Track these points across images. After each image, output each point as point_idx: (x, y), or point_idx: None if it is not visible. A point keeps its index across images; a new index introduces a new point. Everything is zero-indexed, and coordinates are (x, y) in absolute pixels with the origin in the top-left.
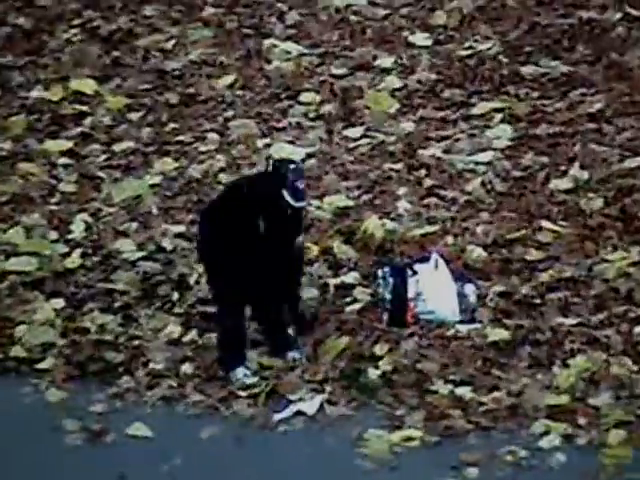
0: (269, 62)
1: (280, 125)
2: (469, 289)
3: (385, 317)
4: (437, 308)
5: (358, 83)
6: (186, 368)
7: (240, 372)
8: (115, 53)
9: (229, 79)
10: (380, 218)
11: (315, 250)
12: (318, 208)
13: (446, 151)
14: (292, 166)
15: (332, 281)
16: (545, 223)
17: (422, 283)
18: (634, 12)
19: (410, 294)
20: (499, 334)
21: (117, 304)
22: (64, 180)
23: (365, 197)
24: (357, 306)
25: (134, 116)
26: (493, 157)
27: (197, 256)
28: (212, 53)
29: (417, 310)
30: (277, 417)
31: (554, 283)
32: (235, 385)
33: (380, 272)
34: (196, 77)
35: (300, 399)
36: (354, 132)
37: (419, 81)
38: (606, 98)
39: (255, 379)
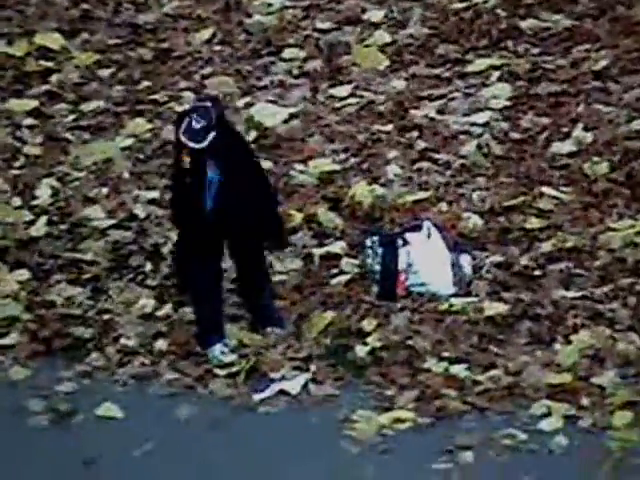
0: (249, 15)
1: (261, 83)
2: (464, 260)
3: (374, 290)
4: (430, 280)
5: (345, 38)
6: (160, 344)
7: (218, 349)
8: (84, 5)
9: (206, 33)
10: (369, 183)
11: (299, 218)
12: (302, 172)
13: (440, 111)
14: (196, 104)
15: (317, 251)
16: (546, 189)
17: (414, 253)
18: None
19: (401, 265)
20: (496, 308)
21: (86, 276)
22: (29, 142)
23: (353, 161)
24: (344, 278)
25: (104, 73)
26: (490, 118)
27: None
28: (188, 5)
29: (408, 282)
30: (258, 397)
31: (556, 253)
32: (212, 363)
33: (369, 241)
34: (171, 31)
35: (282, 378)
36: (341, 91)
37: (411, 36)
38: (612, 54)
39: (234, 356)
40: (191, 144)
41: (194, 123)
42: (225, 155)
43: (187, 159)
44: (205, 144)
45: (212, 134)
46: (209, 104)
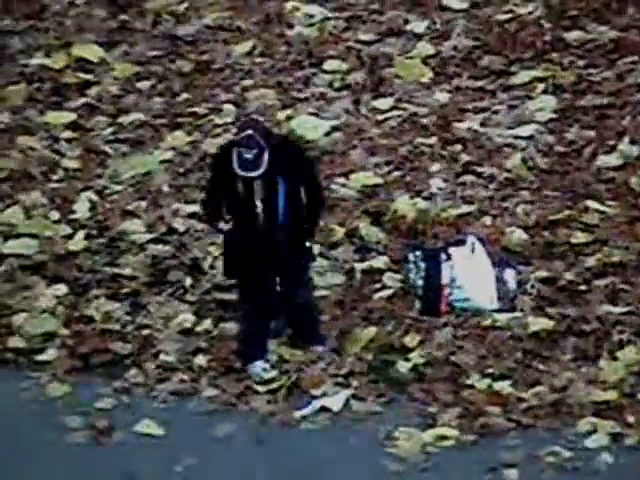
0: (290, 27)
1: (302, 95)
2: (509, 275)
3: (417, 305)
4: (473, 295)
5: (388, 50)
6: (200, 360)
7: (259, 365)
8: (122, 16)
9: (247, 45)
10: (411, 197)
11: (340, 232)
12: (343, 186)
13: (483, 124)
14: (245, 133)
15: (359, 266)
16: (591, 203)
17: (457, 268)
18: None
19: (444, 280)
20: (541, 324)
21: (124, 290)
22: (67, 155)
23: (395, 174)
24: (386, 293)
25: (143, 85)
26: (535, 131)
27: None
28: (228, 17)
29: (452, 298)
30: (299, 414)
31: (601, 268)
32: (253, 379)
33: (411, 256)
34: (211, 43)
35: (324, 394)
36: (383, 103)
37: (454, 47)
38: None
39: (274, 373)
40: (249, 174)
41: (245, 155)
42: (285, 169)
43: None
44: (262, 171)
45: (265, 158)
46: (251, 131)
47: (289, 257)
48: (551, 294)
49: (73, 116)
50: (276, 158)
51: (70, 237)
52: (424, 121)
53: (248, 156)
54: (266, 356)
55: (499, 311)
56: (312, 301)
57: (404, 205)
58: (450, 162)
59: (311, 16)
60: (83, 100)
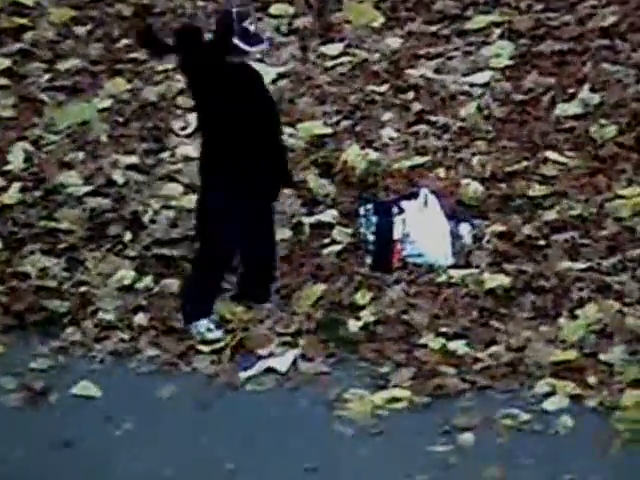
0: None
1: None
2: (464, 229)
3: (368, 261)
4: (427, 250)
5: None
6: (140, 319)
7: (203, 325)
8: None
9: None
10: (362, 148)
11: None
12: (291, 136)
13: (437, 71)
14: (236, 9)
15: (307, 220)
16: (550, 154)
17: (410, 222)
18: None
19: (396, 235)
20: (498, 280)
21: (61, 245)
22: (1, 104)
23: (345, 123)
24: (336, 248)
25: (81, 30)
26: (491, 78)
27: None
28: None
29: (404, 253)
30: (244, 375)
31: (560, 222)
32: (195, 339)
33: (362, 210)
34: None
35: (270, 354)
36: (332, 49)
37: None
38: (620, 10)
39: (219, 333)
40: (259, 47)
41: (250, 26)
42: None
43: None
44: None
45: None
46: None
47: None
48: (508, 249)
49: (7, 62)
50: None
51: (4, 189)
52: (375, 68)
53: (252, 27)
54: (212, 314)
55: (454, 267)
56: (273, 255)
57: (354, 156)
58: (402, 111)
59: None
60: (17, 46)
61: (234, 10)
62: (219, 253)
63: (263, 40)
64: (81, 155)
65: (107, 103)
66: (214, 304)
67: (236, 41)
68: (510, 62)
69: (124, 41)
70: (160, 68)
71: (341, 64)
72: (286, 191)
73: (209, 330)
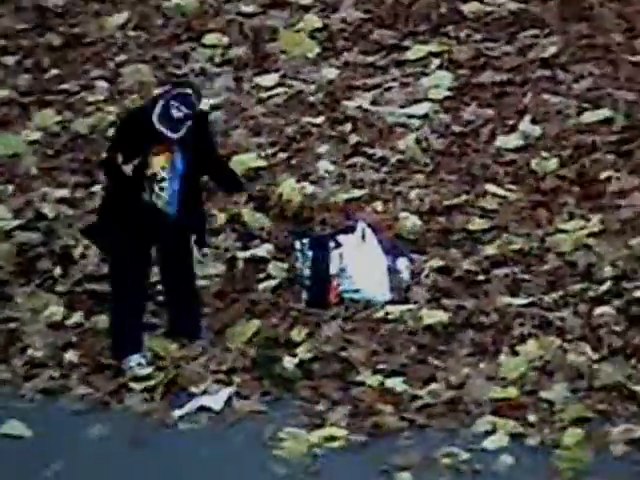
0: None
1: (180, 72)
2: (402, 264)
3: (304, 296)
4: (364, 286)
5: (272, 23)
6: (70, 356)
7: (135, 360)
8: None
9: (121, 17)
10: (298, 181)
11: (222, 218)
12: None
13: (375, 102)
14: (177, 90)
15: (241, 254)
16: (490, 187)
17: (347, 257)
18: None
19: (333, 270)
20: (437, 316)
21: None
22: None
23: (280, 156)
24: (271, 283)
25: (9, 60)
26: (430, 109)
27: None
28: None
29: (341, 288)
30: (177, 413)
31: (501, 257)
32: (128, 375)
33: (298, 244)
34: (82, 15)
35: (204, 392)
36: (267, 80)
37: (343, 20)
38: (561, 40)
39: (150, 369)
40: (169, 134)
41: (174, 111)
42: (193, 148)
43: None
44: (181, 134)
45: (188, 124)
46: (190, 91)
47: (176, 241)
48: (447, 285)
49: None
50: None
51: None
52: (311, 99)
53: (177, 114)
54: (142, 349)
55: (392, 303)
56: (195, 290)
57: (290, 189)
58: (339, 143)
59: None
60: None
61: (165, 92)
62: (122, 289)
63: (183, 126)
64: (10, 188)
65: (37, 135)
66: (143, 339)
67: (158, 126)
68: (449, 93)
69: (54, 71)
70: (91, 99)
71: (276, 95)
72: (220, 225)
73: (140, 365)
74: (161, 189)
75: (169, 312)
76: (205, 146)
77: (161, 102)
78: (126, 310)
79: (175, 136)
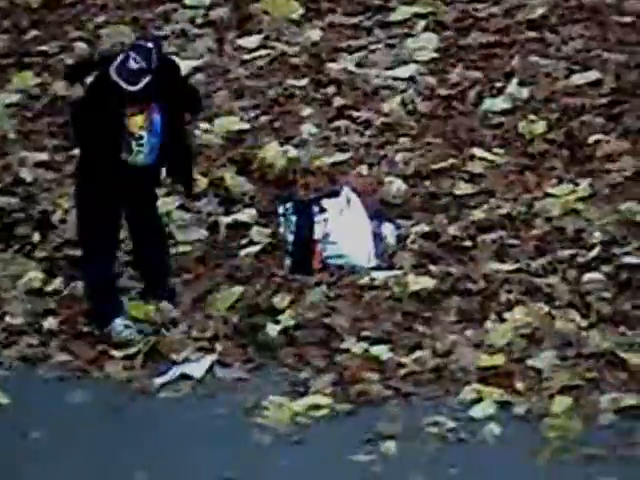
0: None
1: (161, 33)
2: (387, 229)
3: (287, 262)
4: (349, 252)
5: None
6: (49, 323)
7: (119, 324)
8: None
9: None
10: (281, 144)
11: (203, 182)
12: (206, 132)
13: (359, 64)
14: (137, 42)
15: (224, 219)
16: (477, 151)
17: (331, 222)
18: None
19: (316, 235)
20: (422, 283)
21: None
22: None
23: (263, 119)
24: (254, 249)
25: None
26: (415, 72)
27: None
28: None
29: (325, 254)
30: (158, 381)
31: (488, 222)
32: (116, 339)
33: (281, 209)
34: None
35: (185, 360)
36: (250, 41)
37: None
38: (550, 2)
39: (135, 332)
40: (124, 85)
41: (131, 62)
42: (162, 101)
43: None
44: (139, 87)
45: (148, 78)
46: (151, 45)
47: (148, 200)
48: (433, 250)
49: None
50: (158, 84)
51: None
52: (295, 61)
53: (134, 66)
54: (124, 312)
55: (376, 269)
56: (165, 252)
57: (273, 153)
58: (323, 106)
59: None
60: None
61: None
62: (95, 251)
63: (141, 79)
64: None
65: (15, 98)
66: (122, 301)
67: (115, 78)
68: (435, 55)
69: (32, 33)
70: (70, 61)
71: (259, 57)
72: (202, 189)
73: (127, 327)
74: (140, 145)
75: (142, 275)
76: (181, 95)
77: (120, 55)
78: (102, 272)
79: (132, 88)
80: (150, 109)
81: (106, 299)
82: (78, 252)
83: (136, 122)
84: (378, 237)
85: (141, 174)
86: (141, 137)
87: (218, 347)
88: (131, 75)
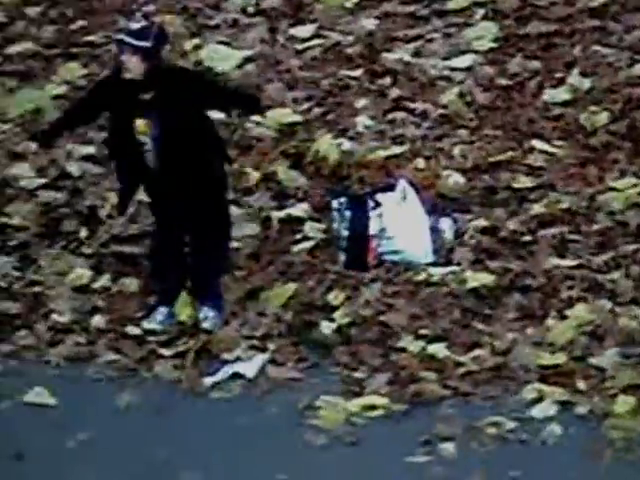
0: None
1: (212, 22)
2: (444, 224)
3: (342, 258)
4: (405, 247)
5: None
6: (97, 321)
7: (161, 312)
8: None
9: None
10: (335, 137)
11: (255, 176)
12: (258, 125)
13: (416, 54)
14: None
15: (276, 214)
16: (537, 143)
17: (386, 217)
18: None
19: (372, 230)
20: (481, 279)
21: (12, 243)
22: None
23: (317, 111)
24: (307, 245)
25: (33, 11)
26: (474, 62)
27: None
28: None
29: (380, 250)
30: (209, 381)
31: (548, 217)
32: (145, 326)
33: (335, 203)
34: None
35: (237, 359)
36: (303, 31)
37: None
38: None
39: (172, 329)
40: (133, 41)
41: (132, 24)
42: (174, 107)
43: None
44: (150, 43)
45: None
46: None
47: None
48: (492, 245)
49: None
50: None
51: None
52: (349, 51)
53: (135, 26)
54: (173, 302)
55: (434, 265)
56: (209, 254)
57: (327, 146)
58: (378, 97)
59: None
60: None
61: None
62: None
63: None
64: (33, 145)
65: (61, 89)
66: (179, 288)
67: (121, 36)
68: (494, 45)
69: (80, 22)
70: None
71: (312, 47)
72: (254, 183)
73: (162, 323)
74: (147, 151)
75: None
76: (192, 102)
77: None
78: (166, 257)
79: (141, 44)
80: (151, 116)
81: (162, 286)
82: (126, 248)
83: (139, 128)
84: (435, 232)
85: (165, 180)
86: (145, 143)
87: (271, 346)
88: (134, 33)
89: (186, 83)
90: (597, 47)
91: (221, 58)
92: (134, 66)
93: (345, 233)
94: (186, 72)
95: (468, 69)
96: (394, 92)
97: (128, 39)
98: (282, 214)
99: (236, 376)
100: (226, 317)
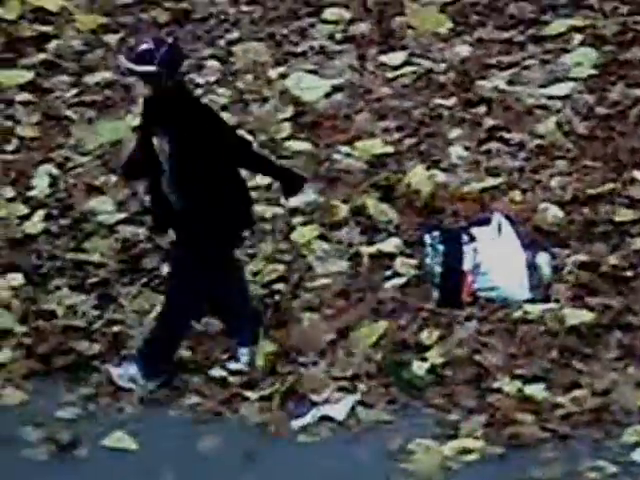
0: None
1: (298, 50)
2: (542, 259)
3: (435, 295)
4: (501, 283)
5: None
6: (178, 361)
7: (246, 354)
8: None
9: None
10: (427, 168)
11: (344, 210)
12: (348, 156)
13: (511, 82)
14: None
15: (366, 250)
16: (638, 174)
17: (482, 252)
18: None
19: (466, 266)
20: (580, 316)
21: (91, 280)
22: (23, 122)
23: (408, 141)
24: (398, 281)
25: (111, 39)
26: (572, 89)
27: None
28: None
29: (475, 286)
30: (296, 424)
31: None
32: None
33: (428, 238)
34: None
35: (326, 401)
36: (393, 58)
37: None
38: None
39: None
40: (138, 68)
41: (139, 46)
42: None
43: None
44: (154, 67)
45: (162, 51)
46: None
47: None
48: (592, 281)
49: (29, 75)
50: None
51: (27, 218)
52: (442, 79)
53: (142, 47)
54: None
55: (531, 302)
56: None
57: (419, 178)
58: (473, 127)
59: None
60: (41, 56)
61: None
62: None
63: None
64: (113, 179)
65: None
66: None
67: (126, 62)
68: (593, 72)
69: None
70: (201, 81)
71: (403, 75)
72: (343, 217)
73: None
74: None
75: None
76: (210, 139)
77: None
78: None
79: (143, 69)
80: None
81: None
82: None
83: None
84: (532, 267)
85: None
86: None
87: (361, 387)
88: (136, 56)
89: (205, 136)
90: None
91: (308, 87)
92: (141, 91)
93: (438, 269)
94: (209, 121)
95: (566, 97)
96: (489, 122)
97: (126, 63)
98: (372, 249)
99: (325, 419)
100: (315, 358)
